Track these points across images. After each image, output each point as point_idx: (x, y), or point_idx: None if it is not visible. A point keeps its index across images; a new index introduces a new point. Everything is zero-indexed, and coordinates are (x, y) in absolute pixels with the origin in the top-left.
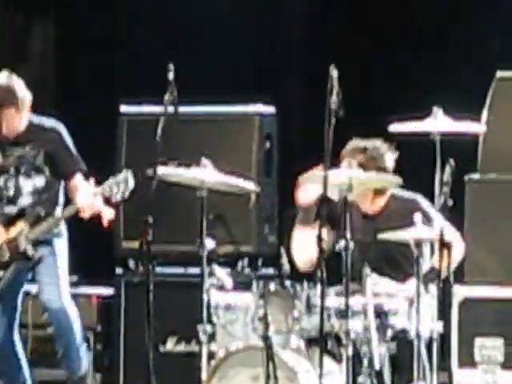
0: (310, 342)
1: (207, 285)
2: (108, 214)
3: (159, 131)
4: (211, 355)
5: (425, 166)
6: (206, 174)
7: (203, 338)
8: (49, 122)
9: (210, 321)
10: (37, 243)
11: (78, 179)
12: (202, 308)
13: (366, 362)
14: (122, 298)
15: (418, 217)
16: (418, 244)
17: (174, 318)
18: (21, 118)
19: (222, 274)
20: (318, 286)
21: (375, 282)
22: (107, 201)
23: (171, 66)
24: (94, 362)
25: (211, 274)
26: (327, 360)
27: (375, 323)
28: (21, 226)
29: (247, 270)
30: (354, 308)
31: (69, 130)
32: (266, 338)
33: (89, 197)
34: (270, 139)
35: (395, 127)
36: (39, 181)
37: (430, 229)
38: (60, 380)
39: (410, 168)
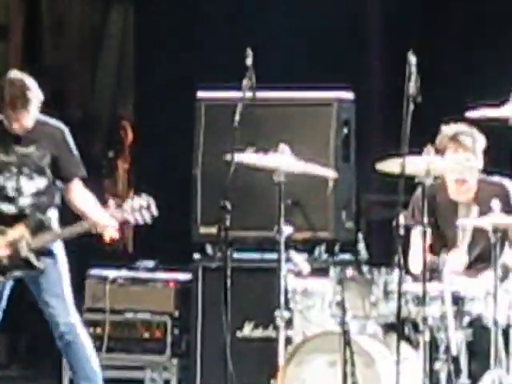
0: (387, 327)
1: (284, 270)
2: (113, 233)
3: (237, 117)
4: (288, 341)
5: (504, 153)
6: (283, 160)
7: (280, 323)
8: (54, 122)
9: (287, 306)
10: (39, 252)
11: (77, 184)
12: (280, 294)
13: (442, 348)
14: (200, 284)
15: (496, 203)
16: (496, 230)
17: (251, 304)
18: (30, 118)
19: (300, 259)
20: (396, 272)
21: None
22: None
23: (249, 51)
24: (171, 347)
25: (288, 259)
26: (404, 346)
27: (452, 309)
28: (21, 230)
29: (324, 256)
30: (432, 294)
31: (146, 117)
32: (343, 324)
33: (106, 217)
34: (348, 125)
35: (473, 113)
36: (41, 183)
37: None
38: (138, 366)
39: (488, 155)
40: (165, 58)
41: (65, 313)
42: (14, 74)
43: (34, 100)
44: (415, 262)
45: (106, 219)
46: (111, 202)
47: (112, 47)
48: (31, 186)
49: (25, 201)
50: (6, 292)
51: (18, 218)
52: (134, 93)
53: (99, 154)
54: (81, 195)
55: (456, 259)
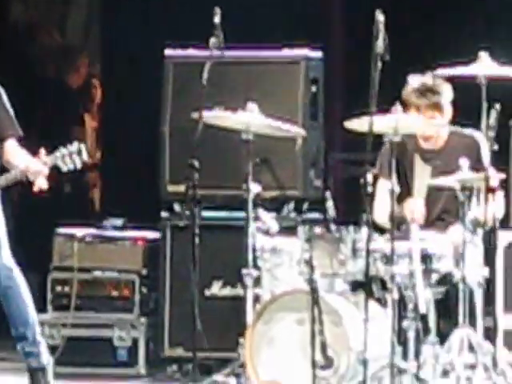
0: (356, 285)
1: (253, 229)
2: (42, 184)
3: (205, 75)
4: (257, 299)
5: (471, 110)
6: (251, 118)
7: (249, 281)
8: None
9: (255, 265)
10: None
11: (12, 143)
12: (248, 252)
13: (411, 306)
14: (168, 242)
15: (464, 161)
16: (464, 188)
17: (219, 262)
18: None
19: (268, 217)
20: (364, 230)
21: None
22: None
23: (217, 10)
24: (139, 305)
25: (257, 218)
26: (372, 304)
27: (420, 267)
28: None
29: (293, 214)
30: (399, 252)
31: (113, 76)
32: (311, 282)
33: (38, 163)
34: (316, 83)
35: (441, 71)
36: None
37: (476, 173)
38: (106, 324)
39: (456, 113)
40: (132, 16)
41: (1, 256)
42: None
43: None
44: (380, 212)
45: (36, 165)
46: (42, 150)
47: (79, 6)
48: None
49: None
50: None
51: None
52: (101, 51)
53: (67, 112)
54: (15, 152)
55: (411, 208)
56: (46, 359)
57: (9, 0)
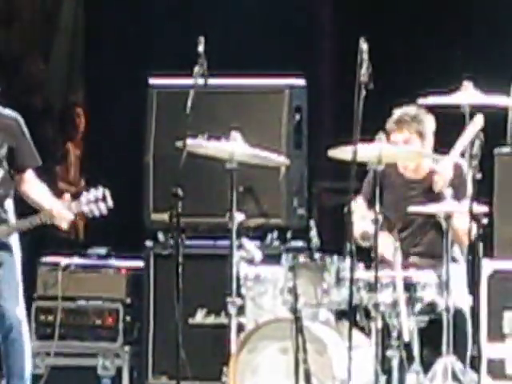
0: (339, 314)
1: (236, 257)
2: (64, 226)
3: (189, 103)
4: (240, 327)
5: (454, 139)
6: (235, 147)
7: (232, 310)
8: (9, 112)
9: (239, 293)
10: None
11: (31, 174)
12: (232, 280)
13: (395, 334)
14: (152, 271)
15: (448, 191)
16: (448, 217)
17: (203, 291)
18: None
19: (252, 246)
20: (348, 259)
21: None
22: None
23: (201, 38)
24: (123, 334)
25: (240, 246)
26: (356, 333)
27: (404, 296)
28: None
29: (276, 243)
30: (383, 281)
31: (97, 105)
32: (295, 311)
33: (64, 209)
34: (299, 112)
35: (425, 100)
36: None
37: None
38: (90, 353)
39: (439, 141)
40: (116, 44)
41: (15, 307)
42: None
43: None
44: (357, 229)
45: (63, 211)
46: (67, 195)
47: (63, 35)
48: None
49: None
50: None
51: None
52: (84, 80)
53: (51, 140)
54: (35, 185)
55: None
56: None
57: None
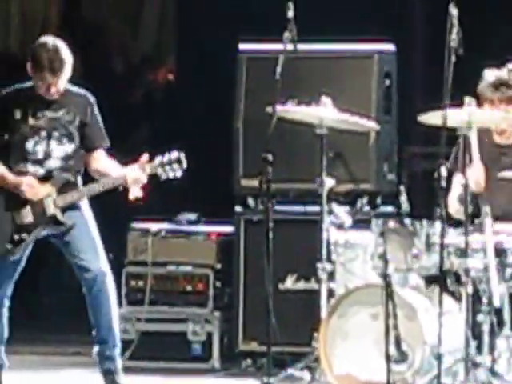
0: (430, 280)
1: (326, 223)
2: (138, 193)
3: (279, 69)
4: (330, 293)
5: None
6: (325, 112)
7: (322, 275)
8: (82, 91)
9: (329, 259)
10: (65, 209)
11: (101, 153)
12: (322, 246)
13: (485, 300)
14: (242, 236)
15: None
16: None
17: (293, 256)
18: (65, 80)
19: (342, 212)
20: (438, 224)
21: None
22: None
23: (290, 4)
24: (213, 299)
25: (330, 212)
26: (446, 298)
27: (495, 261)
28: (47, 189)
29: (366, 208)
30: (474, 246)
31: (188, 68)
32: (385, 276)
33: (139, 172)
34: (389, 77)
35: None
36: (70, 147)
37: None
38: (180, 318)
39: None
40: (206, 8)
41: (96, 260)
42: (47, 39)
43: (69, 62)
44: (453, 204)
45: (136, 172)
46: (145, 154)
47: (153, 3)
48: (60, 150)
49: (53, 163)
50: (27, 254)
51: (46, 179)
52: (175, 45)
53: (140, 105)
54: (106, 162)
55: (472, 175)
56: (120, 362)
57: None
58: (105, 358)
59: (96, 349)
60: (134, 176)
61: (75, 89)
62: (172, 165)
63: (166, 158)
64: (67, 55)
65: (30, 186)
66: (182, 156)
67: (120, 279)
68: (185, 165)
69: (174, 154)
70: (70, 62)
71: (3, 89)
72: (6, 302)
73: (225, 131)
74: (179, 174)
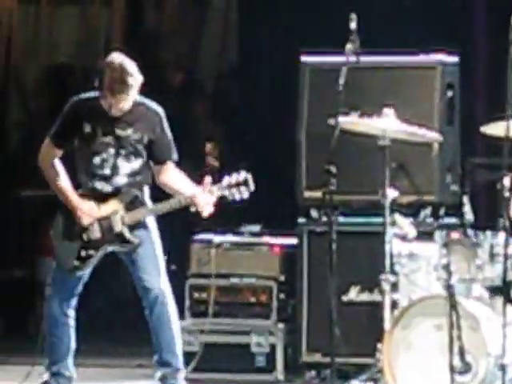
0: (493, 290)
1: (390, 234)
2: (209, 209)
3: (341, 80)
4: (394, 304)
5: None
6: (388, 123)
7: (386, 287)
8: (152, 105)
9: (392, 270)
10: (132, 226)
11: (170, 166)
12: (385, 257)
13: None
14: (305, 248)
15: None
16: None
17: (356, 268)
18: (128, 102)
19: (405, 223)
20: (501, 234)
21: None
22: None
23: (353, 16)
24: (277, 311)
25: (394, 223)
26: (510, 309)
27: None
28: (115, 205)
29: (430, 219)
30: None
31: (249, 82)
32: (449, 287)
33: (205, 193)
34: (452, 88)
35: None
36: (137, 163)
37: None
38: (244, 330)
39: None
40: (269, 20)
41: (158, 279)
42: (115, 57)
43: (134, 85)
44: None
45: (203, 195)
46: (207, 179)
47: (216, 9)
48: (127, 166)
49: (120, 180)
50: (89, 270)
51: (113, 195)
52: (238, 57)
53: (201, 117)
54: (174, 176)
55: None
56: None
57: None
58: (166, 380)
59: (159, 374)
60: (203, 200)
61: (145, 103)
62: (239, 187)
63: (234, 179)
64: (135, 76)
65: (87, 214)
66: (250, 178)
67: (183, 291)
68: (252, 187)
69: (242, 176)
70: (138, 83)
71: (72, 97)
72: (72, 313)
73: (288, 143)
74: (246, 195)
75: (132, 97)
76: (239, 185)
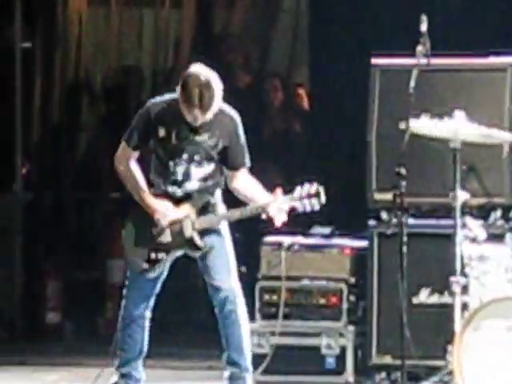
0: None
1: (460, 236)
2: (283, 219)
3: (412, 83)
4: (464, 306)
5: None
6: (459, 126)
7: (456, 289)
8: (228, 111)
9: (463, 272)
10: (203, 232)
11: (242, 172)
12: (455, 260)
13: None
14: (375, 250)
15: None
16: None
17: (426, 270)
18: (209, 115)
19: (475, 225)
20: None
21: None
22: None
23: (424, 17)
24: (347, 313)
25: (464, 225)
26: None
27: None
28: (187, 209)
29: (500, 222)
30: None
31: (321, 83)
32: None
33: (277, 203)
34: None
35: None
36: (208, 168)
37: None
38: (314, 332)
39: None
40: (339, 22)
41: (228, 280)
42: (199, 70)
43: (218, 96)
44: None
45: (274, 206)
46: (279, 190)
47: (287, 10)
48: (199, 171)
49: (191, 185)
50: (166, 271)
51: (185, 200)
52: (307, 59)
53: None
54: (247, 182)
55: None
56: None
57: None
58: (235, 380)
59: (227, 373)
60: (275, 210)
61: (222, 109)
62: (311, 198)
63: (305, 191)
64: (217, 89)
65: (163, 216)
66: (321, 189)
67: (253, 293)
68: (323, 200)
69: (314, 188)
70: (220, 94)
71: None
72: (148, 314)
73: (358, 145)
74: (317, 208)
75: (215, 108)
76: (311, 196)
